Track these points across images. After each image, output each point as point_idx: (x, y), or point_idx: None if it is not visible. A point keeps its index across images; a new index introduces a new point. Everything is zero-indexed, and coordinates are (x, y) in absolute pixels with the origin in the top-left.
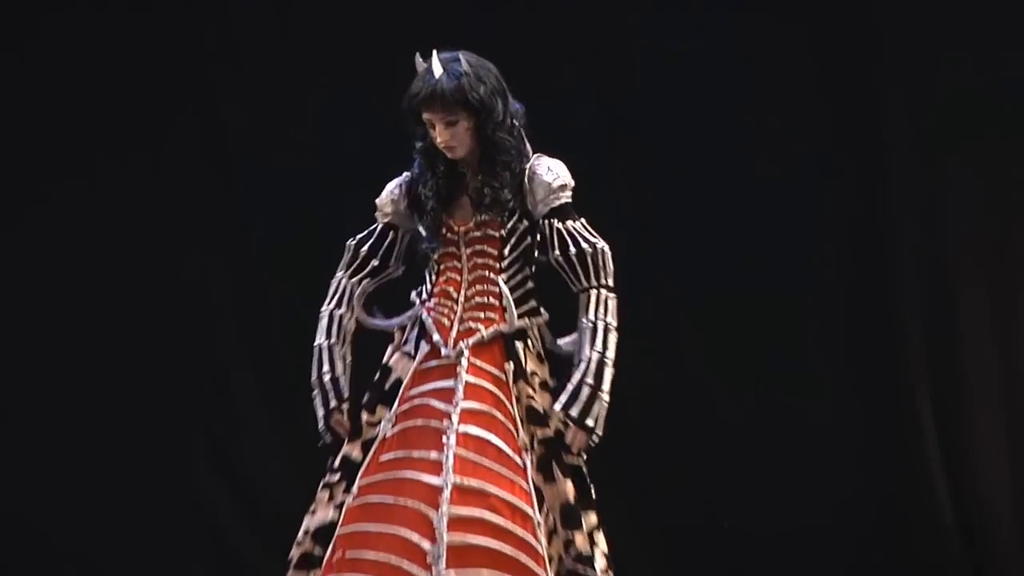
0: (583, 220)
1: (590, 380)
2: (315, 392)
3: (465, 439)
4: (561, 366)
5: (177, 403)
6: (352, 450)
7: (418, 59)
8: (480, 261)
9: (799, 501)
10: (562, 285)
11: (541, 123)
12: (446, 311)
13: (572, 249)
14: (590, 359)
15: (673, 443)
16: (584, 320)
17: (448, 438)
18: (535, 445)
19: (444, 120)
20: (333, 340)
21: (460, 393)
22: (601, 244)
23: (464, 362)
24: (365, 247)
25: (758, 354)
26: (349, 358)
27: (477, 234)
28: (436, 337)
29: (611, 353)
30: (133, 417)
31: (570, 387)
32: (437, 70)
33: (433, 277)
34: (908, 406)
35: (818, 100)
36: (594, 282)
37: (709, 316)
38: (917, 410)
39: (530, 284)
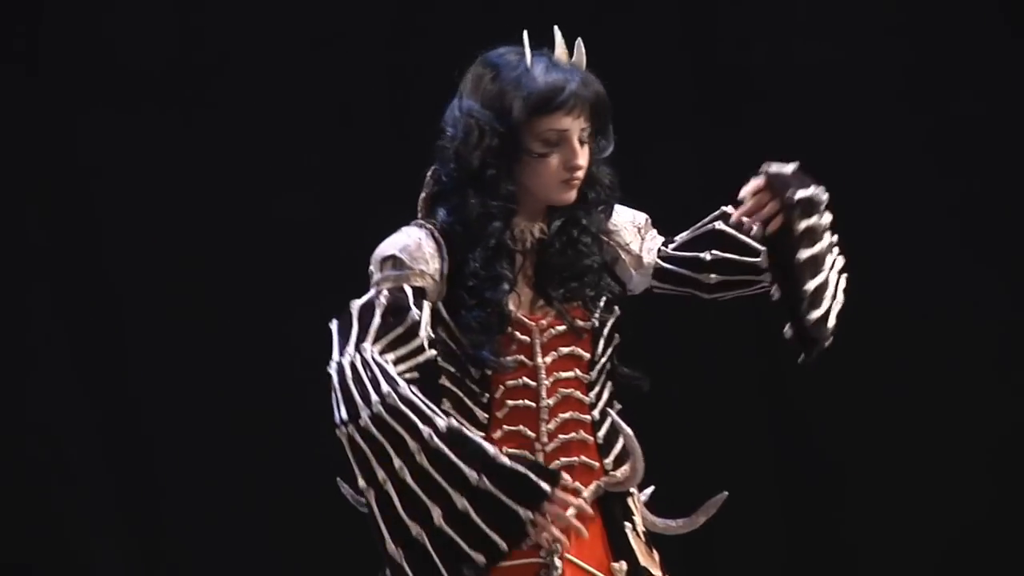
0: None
1: None
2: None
3: None
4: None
5: None
6: None
7: (557, 33)
8: (565, 376)
9: None
10: None
11: None
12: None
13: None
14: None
15: None
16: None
17: None
18: None
19: (584, 133)
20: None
21: None
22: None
23: (557, 563)
24: (418, 320)
25: None
26: None
27: (561, 329)
28: None
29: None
30: None
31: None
32: (582, 60)
33: (476, 408)
34: None
35: None
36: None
37: None
38: None
39: (617, 404)
